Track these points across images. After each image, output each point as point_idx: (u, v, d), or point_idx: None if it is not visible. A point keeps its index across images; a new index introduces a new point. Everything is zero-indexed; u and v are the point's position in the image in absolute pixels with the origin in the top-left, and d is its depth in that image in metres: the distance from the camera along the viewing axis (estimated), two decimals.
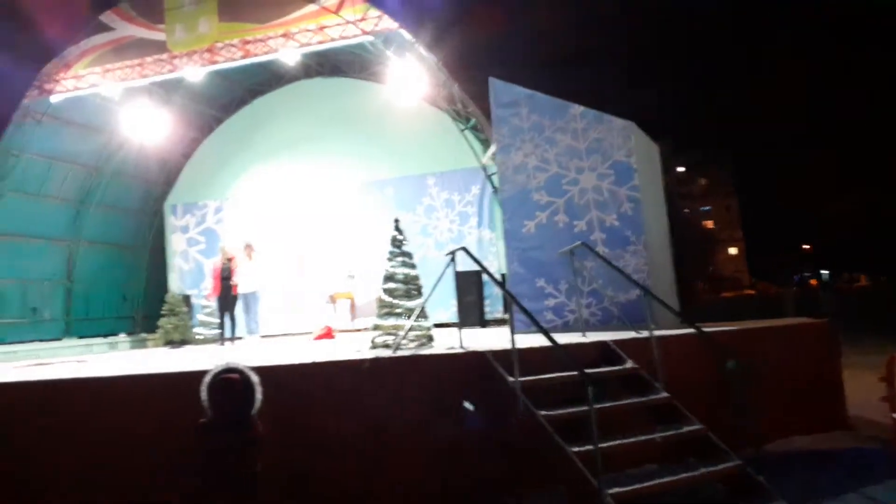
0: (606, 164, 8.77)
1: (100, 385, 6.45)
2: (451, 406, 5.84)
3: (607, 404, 5.49)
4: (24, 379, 6.93)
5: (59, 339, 16.15)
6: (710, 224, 66.99)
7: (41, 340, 15.65)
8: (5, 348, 14.45)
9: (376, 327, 7.11)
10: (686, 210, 60.34)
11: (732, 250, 67.13)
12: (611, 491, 4.60)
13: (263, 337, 12.11)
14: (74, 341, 16.07)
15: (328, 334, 12.39)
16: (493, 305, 14.54)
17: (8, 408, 6.23)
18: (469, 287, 12.22)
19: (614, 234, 8.64)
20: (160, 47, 14.18)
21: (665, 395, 5.78)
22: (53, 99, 14.76)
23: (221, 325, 11.91)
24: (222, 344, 11.70)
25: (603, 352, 6.47)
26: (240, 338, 11.83)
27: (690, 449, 5.51)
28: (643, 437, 5.30)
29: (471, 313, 12.30)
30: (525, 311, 5.68)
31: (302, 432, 5.71)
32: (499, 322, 13.75)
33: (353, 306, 12.49)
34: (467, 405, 5.61)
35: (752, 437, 6.23)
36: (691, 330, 6.51)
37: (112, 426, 5.98)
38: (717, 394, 6.30)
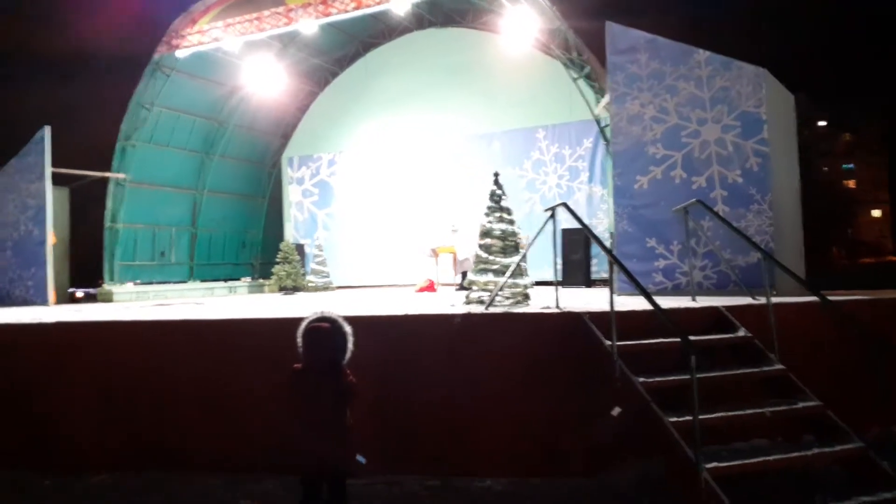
0: (733, 115, 8.01)
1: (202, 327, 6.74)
2: (543, 366, 5.65)
3: (713, 374, 5.09)
4: (148, 318, 7.37)
5: (184, 281, 17.35)
6: (851, 184, 61.43)
7: (168, 282, 16.89)
8: (138, 288, 15.78)
9: (471, 283, 6.96)
10: (825, 168, 55.56)
11: (876, 213, 61.39)
12: (709, 465, 4.23)
13: (367, 287, 12.22)
14: (198, 284, 17.23)
15: (430, 287, 12.45)
16: (601, 265, 14.02)
17: (130, 346, 6.64)
18: (576, 245, 11.82)
19: (737, 191, 7.93)
20: (277, 1, 14.47)
21: (780, 366, 5.27)
22: (179, 54, 15.44)
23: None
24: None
25: (713, 318, 5.99)
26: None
27: (806, 427, 5.01)
28: (750, 411, 4.85)
29: (576, 272, 11.91)
30: (625, 270, 5.31)
31: (396, 384, 5.72)
32: (606, 282, 13.27)
33: (455, 260, 12.42)
34: None
35: (878, 419, 5.62)
36: (816, 298, 5.89)
37: (215, 367, 6.25)
38: (840, 369, 5.70)
